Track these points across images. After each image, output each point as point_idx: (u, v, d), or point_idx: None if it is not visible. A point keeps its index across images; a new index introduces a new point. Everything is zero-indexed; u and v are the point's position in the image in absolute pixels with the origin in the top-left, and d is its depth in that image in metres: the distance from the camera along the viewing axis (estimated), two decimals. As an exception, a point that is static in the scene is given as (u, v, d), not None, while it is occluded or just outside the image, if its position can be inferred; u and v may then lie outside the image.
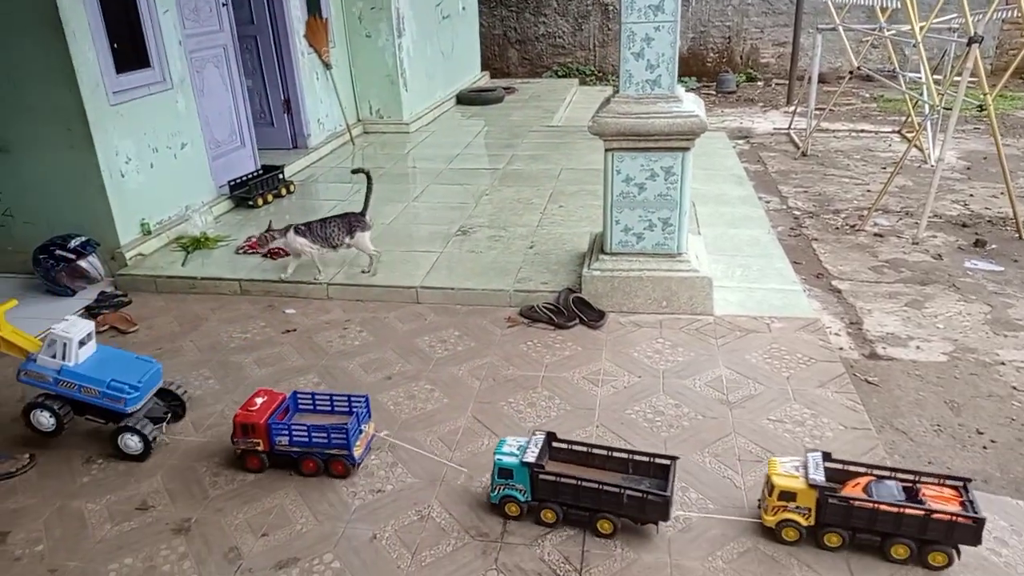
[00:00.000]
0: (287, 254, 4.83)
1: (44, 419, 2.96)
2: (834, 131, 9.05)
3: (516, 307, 4.16)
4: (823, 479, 2.38)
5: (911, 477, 2.45)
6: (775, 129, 9.40)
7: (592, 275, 4.07)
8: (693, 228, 5.08)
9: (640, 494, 2.43)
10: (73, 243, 4.48)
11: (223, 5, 5.92)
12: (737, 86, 12.25)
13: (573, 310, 3.97)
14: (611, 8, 12.84)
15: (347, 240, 4.42)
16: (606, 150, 3.89)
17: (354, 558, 2.45)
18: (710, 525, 2.55)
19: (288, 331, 4.04)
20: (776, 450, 2.91)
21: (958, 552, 2.34)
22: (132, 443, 2.94)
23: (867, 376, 3.69)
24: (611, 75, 13.16)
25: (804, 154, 8.00)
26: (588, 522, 2.50)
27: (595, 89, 12.06)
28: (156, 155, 5.08)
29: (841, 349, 3.94)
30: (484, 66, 12.19)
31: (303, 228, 4.40)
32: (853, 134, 8.93)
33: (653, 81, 3.72)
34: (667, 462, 2.56)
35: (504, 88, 10.63)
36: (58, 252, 4.41)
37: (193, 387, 3.51)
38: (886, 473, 2.48)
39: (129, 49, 4.80)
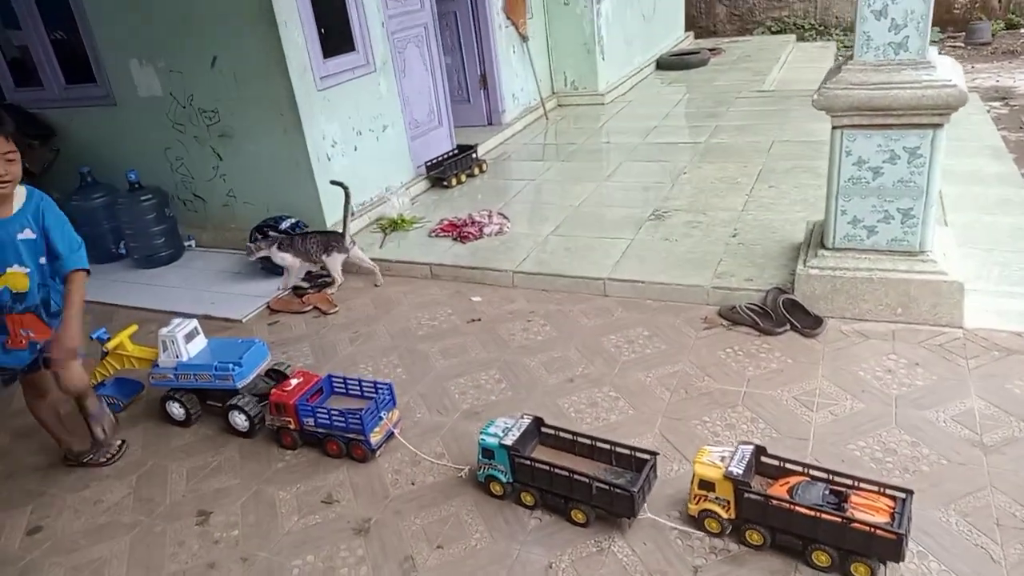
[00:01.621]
0: (477, 237, 4.80)
1: (176, 409, 3.31)
2: None
3: (714, 306, 3.75)
4: (740, 472, 2.31)
5: (849, 482, 2.32)
6: (1046, 87, 7.79)
7: (808, 273, 3.54)
8: (939, 216, 4.27)
9: (607, 486, 2.39)
10: (284, 224, 4.75)
11: (424, -17, 5.94)
12: (993, 36, 10.37)
13: (783, 314, 3.48)
14: (837, -47, 11.40)
15: (323, 258, 4.36)
16: (833, 127, 3.31)
17: (526, 586, 2.29)
18: (957, 609, 2.06)
19: (473, 320, 3.97)
20: (1052, 517, 2.30)
21: (885, 566, 2.17)
22: (239, 420, 3.17)
23: None
24: (835, 28, 11.75)
25: (1088, 118, 6.53)
26: (563, 509, 2.52)
27: (814, 46, 10.83)
28: (359, 138, 5.24)
29: None
30: (688, 26, 11.41)
31: (287, 243, 4.41)
32: None
33: (898, 44, 3.08)
34: (647, 457, 2.53)
35: (709, 49, 9.86)
36: (271, 233, 4.69)
37: (383, 375, 3.56)
38: (823, 475, 2.36)
39: (335, 34, 4.95)
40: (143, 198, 5.02)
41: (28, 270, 2.52)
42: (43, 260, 2.55)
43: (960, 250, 3.87)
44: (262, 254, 4.45)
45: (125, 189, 5.03)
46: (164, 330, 3.27)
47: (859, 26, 3.12)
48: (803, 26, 11.89)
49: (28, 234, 2.49)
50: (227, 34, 4.62)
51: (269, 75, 4.60)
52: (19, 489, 3.05)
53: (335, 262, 4.41)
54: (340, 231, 4.43)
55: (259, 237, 4.51)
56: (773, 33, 11.93)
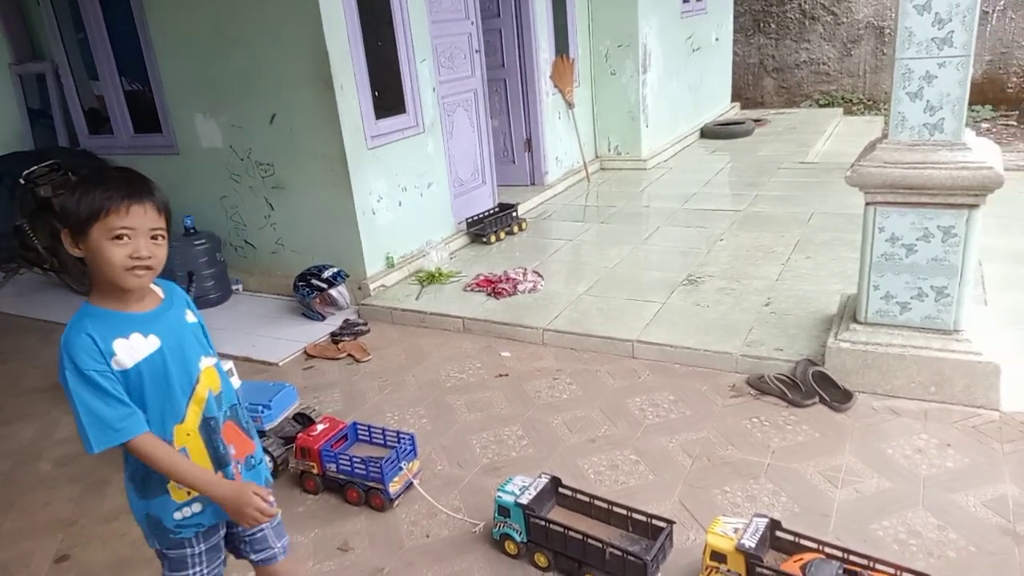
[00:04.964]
0: (511, 293, 4.89)
1: None
2: None
3: (743, 374, 3.73)
4: (752, 545, 2.28)
5: (864, 563, 2.26)
6: (1102, 168, 7.62)
7: (839, 347, 3.50)
8: (978, 295, 4.20)
9: (620, 553, 2.39)
10: (327, 273, 4.92)
11: (476, 52, 6.22)
12: (1049, 115, 10.24)
13: (813, 386, 3.44)
14: (887, 31, 11.50)
15: None
16: (867, 203, 3.33)
17: (533, 648, 2.28)
18: None
19: (500, 375, 4.02)
20: (1086, 616, 2.20)
21: None
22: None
23: None
24: (883, 103, 11.76)
25: None
26: (576, 573, 2.52)
27: (862, 120, 10.85)
28: (404, 194, 5.44)
29: None
30: (735, 97, 11.58)
31: None
32: None
33: (933, 126, 3.10)
34: (663, 525, 2.52)
35: (755, 120, 9.97)
36: (314, 281, 4.88)
37: (408, 424, 3.62)
38: (839, 554, 2.30)
39: (388, 97, 5.19)
40: (197, 243, 5.27)
41: (215, 361, 1.82)
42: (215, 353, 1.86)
43: (1006, 331, 3.78)
44: None
45: (181, 233, 5.29)
46: None
47: (894, 106, 3.16)
48: (851, 100, 11.93)
49: (191, 317, 1.82)
50: (287, 94, 4.91)
51: (323, 133, 4.85)
52: (53, 517, 3.17)
53: None
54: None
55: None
56: (821, 106, 11.98)
